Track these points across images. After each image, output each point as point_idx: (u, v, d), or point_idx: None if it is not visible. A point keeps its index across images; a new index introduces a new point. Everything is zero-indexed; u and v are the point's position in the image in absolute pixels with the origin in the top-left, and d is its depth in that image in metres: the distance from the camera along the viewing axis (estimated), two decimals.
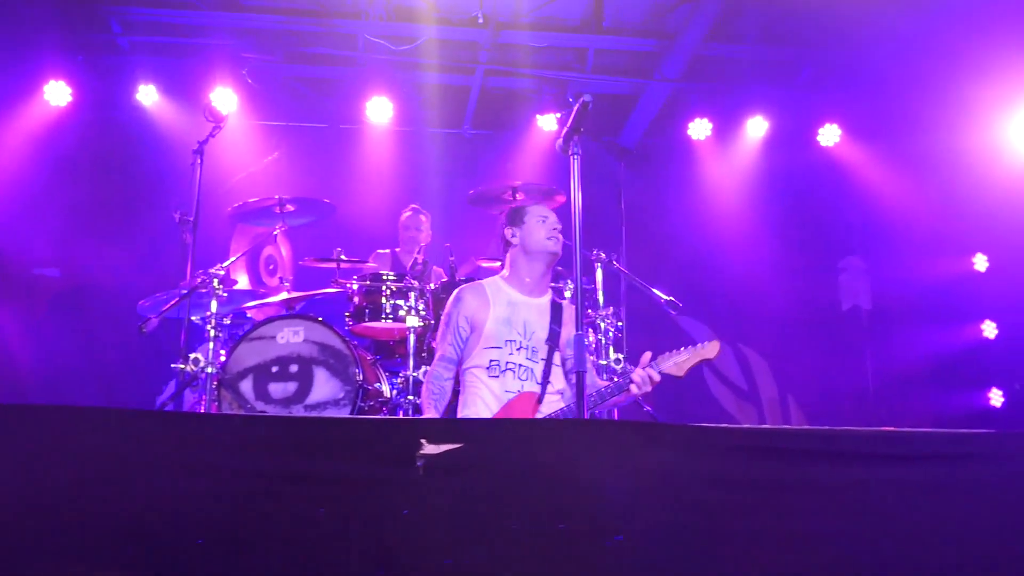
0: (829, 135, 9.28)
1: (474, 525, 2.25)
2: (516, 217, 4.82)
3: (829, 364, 9.61)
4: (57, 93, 8.33)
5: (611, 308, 6.47)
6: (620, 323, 6.56)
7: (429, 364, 6.00)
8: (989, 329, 9.39)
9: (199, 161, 6.25)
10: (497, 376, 4.55)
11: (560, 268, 6.76)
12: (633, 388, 4.35)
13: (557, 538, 2.26)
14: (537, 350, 4.63)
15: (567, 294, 6.47)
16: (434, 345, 5.07)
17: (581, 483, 2.34)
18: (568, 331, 4.72)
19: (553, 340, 4.65)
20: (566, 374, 4.74)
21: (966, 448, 2.66)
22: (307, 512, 2.23)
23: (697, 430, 2.54)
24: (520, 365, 4.57)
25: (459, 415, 4.61)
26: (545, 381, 4.54)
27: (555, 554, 2.25)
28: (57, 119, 8.46)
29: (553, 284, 6.70)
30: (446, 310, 4.76)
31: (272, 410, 5.67)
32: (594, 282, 6.62)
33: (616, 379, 4.51)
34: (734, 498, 2.46)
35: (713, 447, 2.52)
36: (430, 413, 4.60)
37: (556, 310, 4.77)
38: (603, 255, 6.56)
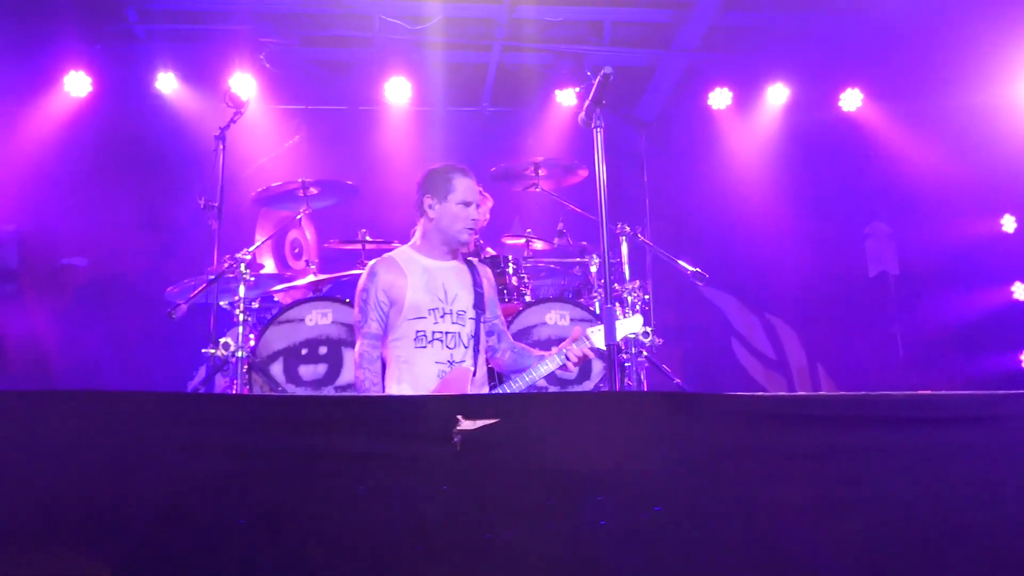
0: (851, 100, 9.21)
1: (512, 500, 2.26)
2: (439, 186, 4.67)
3: (857, 331, 9.57)
4: (77, 84, 8.36)
5: (637, 281, 6.45)
6: (647, 296, 6.55)
7: None
8: (1020, 291, 9.31)
9: (221, 147, 6.28)
10: (424, 347, 4.47)
11: (585, 243, 6.76)
12: (569, 366, 4.42)
13: (595, 510, 2.27)
14: (463, 312, 4.56)
15: (593, 268, 6.48)
16: None
17: (617, 455, 2.35)
18: (488, 291, 4.71)
19: (479, 303, 4.60)
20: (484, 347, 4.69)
21: (995, 409, 2.64)
22: (347, 490, 2.25)
23: (730, 399, 2.54)
24: (447, 333, 4.49)
25: (388, 391, 4.49)
26: (476, 349, 4.51)
27: (593, 526, 2.26)
28: (78, 109, 8.49)
29: (579, 259, 6.72)
30: (361, 286, 4.61)
31: (303, 392, 5.71)
32: (620, 256, 6.61)
33: (546, 358, 4.55)
34: (768, 466, 2.47)
35: (746, 415, 2.52)
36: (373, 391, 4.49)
37: (473, 271, 4.72)
38: (628, 228, 6.54)
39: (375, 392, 4.44)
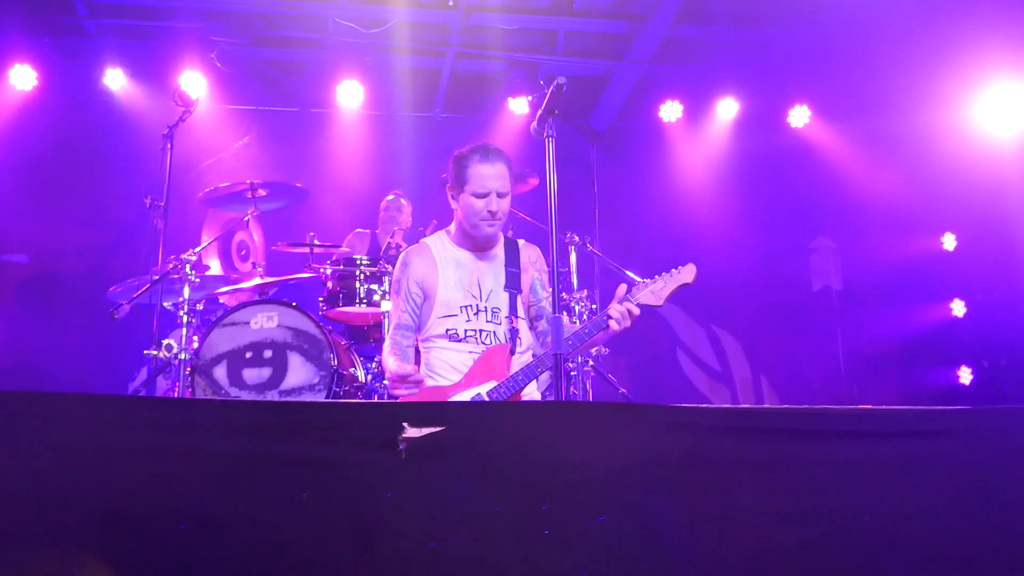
0: (799, 116, 9.36)
1: (458, 507, 2.26)
2: (458, 174, 4.26)
3: (801, 344, 9.71)
4: (22, 77, 8.22)
5: (585, 291, 6.50)
6: (594, 305, 6.60)
7: None
8: (958, 308, 9.51)
9: (169, 146, 6.21)
10: (458, 342, 4.17)
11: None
12: (612, 324, 4.02)
13: (540, 519, 2.27)
14: (498, 310, 4.23)
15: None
16: None
17: (563, 465, 2.35)
18: (530, 276, 4.37)
19: (513, 285, 4.25)
20: (532, 324, 4.39)
21: (939, 424, 2.69)
22: (290, 496, 2.23)
23: (675, 410, 2.56)
24: (481, 330, 4.18)
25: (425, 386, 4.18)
26: (514, 337, 4.12)
27: (539, 535, 2.26)
28: (23, 103, 8.35)
29: None
30: (395, 276, 4.34)
31: (246, 396, 5.66)
32: (568, 265, 6.64)
33: (591, 318, 4.22)
34: (712, 477, 2.48)
35: (691, 427, 2.54)
36: (397, 368, 4.11)
37: (512, 252, 4.34)
38: (576, 238, 6.58)
39: (397, 364, 4.14)
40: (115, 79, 8.41)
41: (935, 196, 8.89)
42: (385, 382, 5.89)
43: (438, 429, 2.27)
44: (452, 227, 4.38)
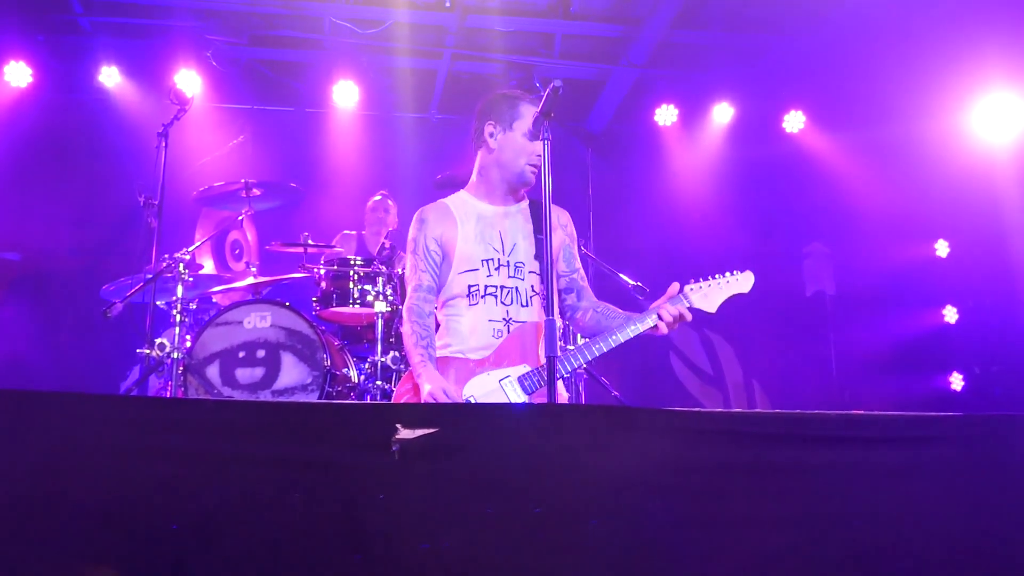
0: (794, 122, 9.36)
1: (450, 510, 2.26)
2: (504, 111, 4.02)
3: (793, 349, 9.72)
4: (17, 74, 8.19)
5: None
6: None
7: (397, 349, 6.03)
8: (950, 314, 9.53)
9: (164, 144, 6.19)
10: (477, 303, 3.90)
11: None
12: (661, 327, 3.81)
13: (533, 523, 2.27)
14: (522, 265, 3.97)
15: None
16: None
17: (555, 468, 2.35)
18: (560, 237, 4.11)
19: (542, 254, 3.91)
20: (560, 296, 4.12)
21: (931, 431, 2.70)
22: (282, 498, 2.23)
23: (668, 414, 2.56)
24: (502, 287, 3.91)
25: (439, 354, 3.92)
26: (549, 294, 3.55)
27: (531, 539, 2.26)
28: (17, 100, 8.31)
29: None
30: (410, 236, 4.05)
31: (239, 396, 5.65)
32: None
33: (630, 316, 3.92)
34: (705, 481, 2.49)
35: (684, 431, 2.54)
36: (422, 361, 3.81)
37: (538, 212, 4.00)
38: None
39: (423, 347, 3.84)
40: (110, 77, 8.39)
41: (928, 203, 8.92)
42: (379, 383, 5.90)
43: (431, 431, 2.27)
44: (473, 178, 4.14)
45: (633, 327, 3.83)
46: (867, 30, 7.85)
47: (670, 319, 3.84)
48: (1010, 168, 8.13)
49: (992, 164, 8.23)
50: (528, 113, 3.96)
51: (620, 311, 4.04)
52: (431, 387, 3.67)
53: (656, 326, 3.84)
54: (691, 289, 3.94)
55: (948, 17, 7.25)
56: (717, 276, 4.00)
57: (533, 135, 3.90)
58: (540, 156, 3.83)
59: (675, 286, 3.93)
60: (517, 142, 3.97)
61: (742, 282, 4.01)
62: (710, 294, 3.96)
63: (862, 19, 7.77)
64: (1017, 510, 2.61)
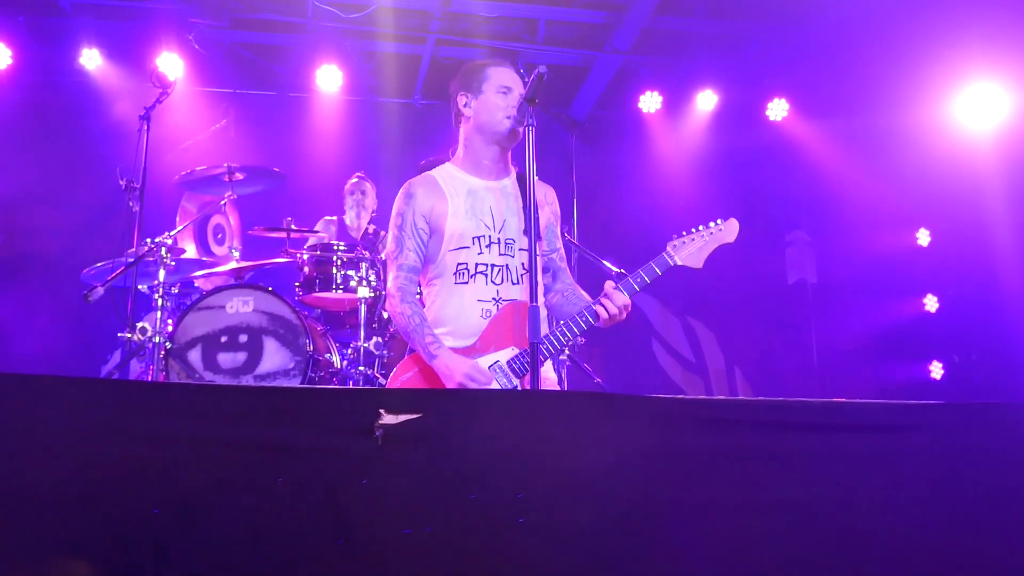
0: (777, 109, 9.37)
1: (433, 495, 2.26)
2: (471, 80, 4.01)
3: (775, 336, 9.78)
4: None
5: None
6: None
7: (380, 335, 6.03)
8: (931, 303, 9.59)
9: (146, 127, 6.15)
10: (466, 282, 3.84)
11: None
12: (601, 312, 3.76)
13: (515, 508, 2.28)
14: (512, 242, 3.91)
15: None
16: (385, 309, 4.46)
17: (538, 454, 2.35)
18: (546, 215, 4.07)
19: (530, 229, 3.75)
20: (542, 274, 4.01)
21: (910, 419, 2.71)
22: (264, 482, 2.22)
23: (649, 400, 2.56)
24: (492, 265, 3.85)
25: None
26: (533, 281, 3.48)
27: (513, 524, 2.27)
28: None
29: None
30: (396, 210, 3.95)
31: (221, 380, 5.64)
32: None
33: (586, 310, 3.83)
34: (686, 468, 2.49)
35: (665, 417, 2.54)
36: (435, 342, 3.76)
37: (525, 190, 3.85)
38: None
39: (428, 329, 3.79)
40: (91, 59, 8.31)
41: (910, 192, 8.96)
42: (361, 368, 5.90)
43: (415, 416, 2.27)
44: (459, 151, 4.08)
45: (577, 325, 3.80)
46: (851, 19, 7.88)
47: (606, 315, 3.77)
48: (992, 158, 8.16)
49: (974, 154, 8.27)
50: (495, 74, 3.98)
51: (584, 298, 4.00)
52: (465, 371, 3.66)
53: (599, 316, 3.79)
54: (674, 246, 3.90)
55: (931, 6, 7.28)
56: (700, 227, 3.94)
57: (505, 90, 3.93)
58: (515, 108, 3.86)
59: (609, 283, 3.83)
60: (491, 101, 3.95)
61: (727, 231, 3.96)
62: (695, 249, 3.92)
63: (846, 8, 7.80)
64: (995, 497, 2.63)
